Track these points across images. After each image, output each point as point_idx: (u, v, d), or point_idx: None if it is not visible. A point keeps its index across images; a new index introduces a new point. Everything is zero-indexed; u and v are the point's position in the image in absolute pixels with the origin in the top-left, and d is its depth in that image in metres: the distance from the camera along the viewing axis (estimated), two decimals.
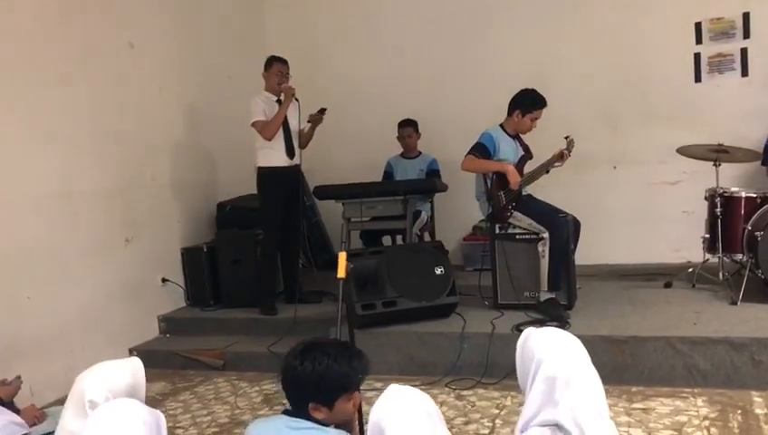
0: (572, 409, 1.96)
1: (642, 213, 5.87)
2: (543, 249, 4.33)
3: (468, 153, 4.50)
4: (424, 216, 5.51)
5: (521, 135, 4.69)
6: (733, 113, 5.55)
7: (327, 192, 5.30)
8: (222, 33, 6.13)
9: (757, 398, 3.50)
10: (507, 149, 4.57)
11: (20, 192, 4.08)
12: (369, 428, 1.73)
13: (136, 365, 2.21)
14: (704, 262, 4.83)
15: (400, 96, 6.28)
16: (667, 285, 4.90)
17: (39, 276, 4.18)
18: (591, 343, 3.81)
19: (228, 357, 4.71)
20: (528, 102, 4.50)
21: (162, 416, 2.00)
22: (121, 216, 4.88)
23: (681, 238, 5.75)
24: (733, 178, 5.29)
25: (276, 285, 5.23)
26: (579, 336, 3.87)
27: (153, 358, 4.86)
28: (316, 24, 6.70)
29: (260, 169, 5.06)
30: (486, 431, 3.39)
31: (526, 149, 4.69)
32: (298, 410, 2.12)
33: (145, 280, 5.12)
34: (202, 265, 5.42)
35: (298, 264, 5.35)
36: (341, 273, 2.64)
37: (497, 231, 4.58)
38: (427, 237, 5.67)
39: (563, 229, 4.36)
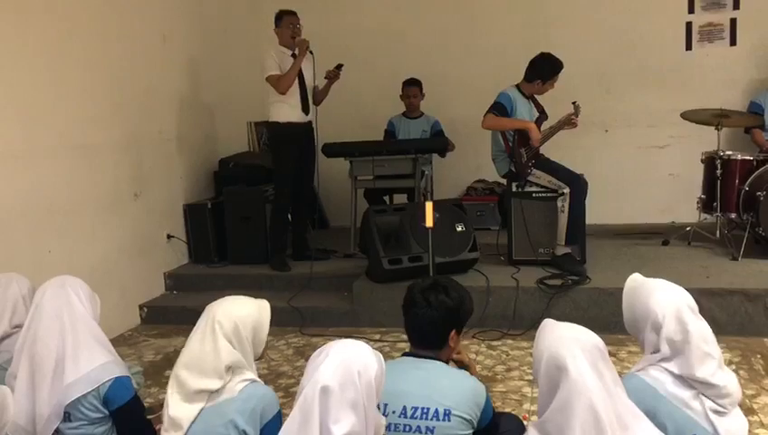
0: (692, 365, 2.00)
1: (631, 175, 6.10)
2: (564, 204, 4.49)
3: (488, 112, 4.58)
4: (428, 175, 5.58)
5: (536, 96, 4.80)
6: (720, 81, 5.82)
7: (336, 150, 5.28)
8: None
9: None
10: (523, 110, 4.68)
11: (40, 143, 3.96)
12: (538, 365, 1.78)
13: (264, 305, 2.30)
14: (700, 221, 5.10)
15: (399, 55, 6.29)
16: (665, 243, 5.15)
17: (59, 230, 4.07)
18: (615, 296, 4.07)
19: None
20: (548, 71, 4.62)
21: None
22: (131, 169, 4.77)
23: (667, 200, 6.05)
24: (713, 143, 5.58)
25: (287, 241, 5.21)
26: (600, 290, 4.18)
27: (166, 314, 4.83)
28: None
29: (274, 124, 5.00)
30: (530, 377, 3.54)
31: (542, 110, 4.81)
32: (432, 344, 2.20)
33: (152, 236, 5.02)
34: (206, 222, 5.34)
35: (308, 221, 5.33)
36: (429, 222, 2.69)
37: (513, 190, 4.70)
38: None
39: (583, 187, 4.52)
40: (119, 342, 4.47)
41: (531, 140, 4.52)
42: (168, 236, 5.20)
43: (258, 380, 2.19)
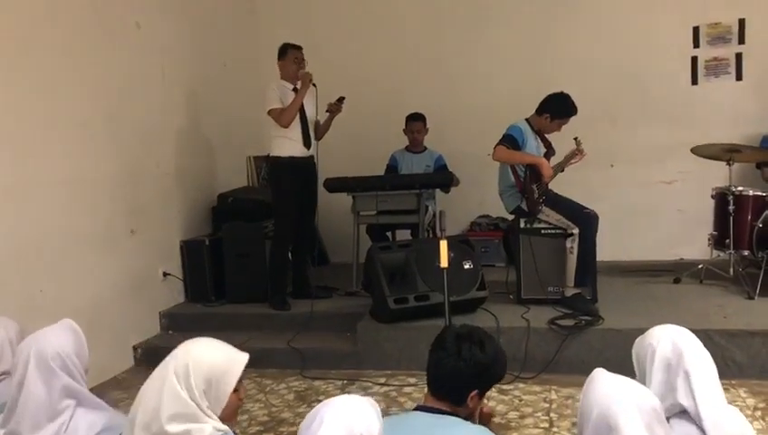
0: (690, 389, 1.92)
1: (638, 211, 5.99)
2: (572, 245, 4.36)
3: (498, 144, 4.46)
4: (431, 211, 5.46)
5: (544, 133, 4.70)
6: (727, 116, 5.75)
7: (338, 185, 5.17)
8: (217, 20, 5.89)
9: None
10: (532, 144, 4.57)
11: (32, 177, 3.81)
12: (585, 422, 1.62)
13: (239, 358, 1.99)
14: (712, 258, 4.97)
15: (402, 89, 6.23)
16: (677, 281, 5.01)
17: (51, 268, 3.92)
18: (630, 337, 3.86)
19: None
20: (561, 110, 4.51)
21: None
22: (127, 204, 4.62)
23: (675, 236, 5.93)
24: (720, 179, 5.49)
25: (287, 279, 5.05)
26: (615, 331, 4.03)
27: (161, 355, 4.55)
28: (309, 13, 6.53)
29: (275, 158, 4.88)
30: (546, 425, 3.37)
31: (548, 145, 4.70)
32: (449, 397, 2.03)
33: (147, 273, 4.85)
34: (203, 259, 5.17)
35: (308, 258, 5.18)
36: (444, 262, 2.54)
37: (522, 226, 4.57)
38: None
39: (593, 226, 4.40)
40: (111, 385, 4.28)
41: (542, 177, 4.40)
42: (164, 274, 5.02)
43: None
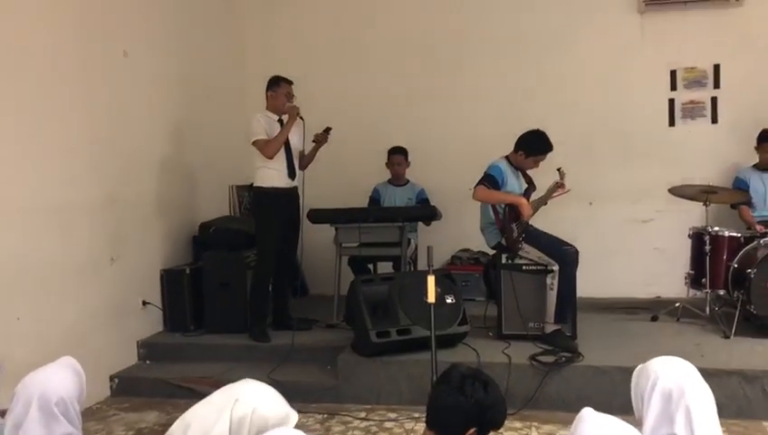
0: (690, 423, 1.95)
1: (616, 248, 6.07)
2: (552, 282, 4.40)
3: (479, 183, 4.52)
4: (413, 244, 5.49)
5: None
6: (703, 157, 5.89)
7: (322, 216, 5.18)
8: (203, 51, 5.91)
9: None
10: (513, 182, 4.64)
11: (10, 203, 3.76)
12: None
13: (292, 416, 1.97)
14: (689, 297, 5.04)
15: (385, 123, 6.29)
16: (654, 319, 5.07)
17: (29, 296, 3.86)
18: (609, 374, 4.00)
19: (223, 385, 4.45)
20: (534, 147, 4.59)
21: None
22: (108, 232, 4.58)
23: (651, 274, 6.03)
24: (696, 218, 5.60)
25: (268, 310, 5.03)
26: (595, 368, 4.06)
27: (138, 386, 4.58)
28: (294, 47, 6.59)
29: (259, 189, 4.89)
30: None
31: (530, 181, 4.78)
32: (446, 432, 2.04)
33: (127, 302, 4.80)
34: (183, 288, 5.14)
35: (289, 290, 5.17)
36: (431, 297, 2.56)
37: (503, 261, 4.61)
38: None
39: (573, 263, 4.46)
40: (86, 416, 4.14)
41: (522, 216, 4.45)
42: (144, 303, 4.97)
43: None
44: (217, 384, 4.51)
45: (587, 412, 1.74)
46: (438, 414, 2.07)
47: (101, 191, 4.51)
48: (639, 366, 2.18)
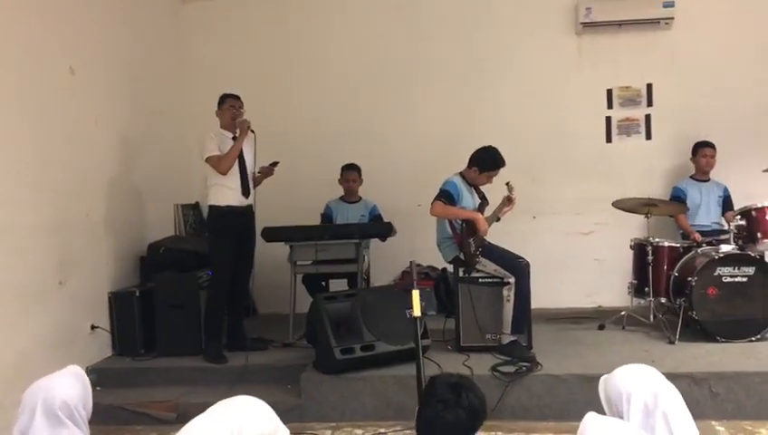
0: (668, 426, 2.05)
1: (558, 260, 6.26)
2: (509, 294, 4.52)
3: (436, 199, 4.60)
4: (367, 260, 5.52)
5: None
6: (639, 171, 6.18)
7: (277, 234, 5.14)
8: (149, 68, 5.81)
9: (719, 427, 3.88)
10: (467, 197, 4.75)
11: None
12: None
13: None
14: (635, 306, 5.26)
15: (335, 141, 6.32)
16: (601, 328, 5.25)
17: None
18: (568, 382, 4.13)
19: (181, 409, 4.34)
20: (487, 163, 4.71)
21: None
22: (56, 255, 4.42)
23: (593, 284, 6.26)
24: (635, 230, 5.87)
25: (222, 331, 4.94)
26: (554, 377, 4.18)
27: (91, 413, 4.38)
28: (244, 64, 6.55)
29: (213, 207, 4.82)
30: None
31: (482, 196, 4.89)
32: None
33: (75, 327, 4.63)
34: (133, 311, 4.99)
35: (243, 310, 5.10)
36: (417, 311, 2.60)
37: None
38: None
39: (526, 275, 4.58)
40: None
41: (478, 231, 4.56)
42: (92, 327, 4.80)
43: None
44: (176, 408, 4.44)
45: (592, 418, 1.81)
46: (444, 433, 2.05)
47: (49, 212, 4.36)
48: (604, 377, 2.27)
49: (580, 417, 2.18)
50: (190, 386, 4.58)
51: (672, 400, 2.07)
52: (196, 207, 6.34)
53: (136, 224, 5.48)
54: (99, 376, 4.73)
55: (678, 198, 5.71)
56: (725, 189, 5.76)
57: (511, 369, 4.24)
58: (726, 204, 5.71)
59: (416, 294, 2.64)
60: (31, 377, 4.02)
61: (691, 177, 5.84)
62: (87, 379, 2.19)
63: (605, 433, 1.74)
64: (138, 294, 5.02)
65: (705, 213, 5.69)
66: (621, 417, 2.10)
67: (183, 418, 4.27)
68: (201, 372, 4.70)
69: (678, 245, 5.17)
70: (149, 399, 4.43)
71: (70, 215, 4.56)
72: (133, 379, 4.73)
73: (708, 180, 5.79)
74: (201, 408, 4.37)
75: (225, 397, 4.23)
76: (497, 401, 4.10)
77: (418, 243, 5.65)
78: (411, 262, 2.94)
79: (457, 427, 2.02)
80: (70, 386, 2.12)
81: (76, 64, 4.67)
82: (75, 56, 4.68)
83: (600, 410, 2.10)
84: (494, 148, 4.74)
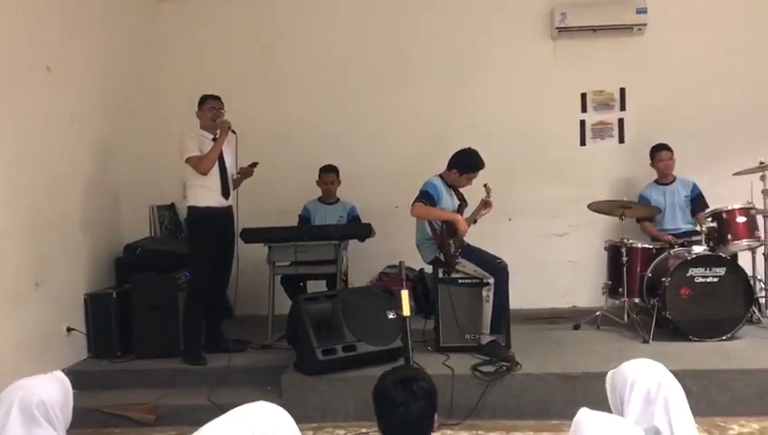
0: (668, 413, 2.11)
1: (534, 262, 6.33)
2: (488, 294, 4.57)
3: (416, 200, 4.64)
4: (346, 261, 5.53)
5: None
6: (612, 174, 6.31)
7: (256, 235, 5.12)
8: (125, 68, 5.75)
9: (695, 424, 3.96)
10: (447, 199, 4.79)
11: None
12: None
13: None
14: (609, 306, 5.36)
15: (313, 142, 6.33)
16: (576, 328, 5.34)
17: None
18: (547, 381, 4.20)
19: (160, 411, 4.31)
20: (467, 164, 4.77)
21: None
22: (32, 256, 4.36)
23: (567, 285, 6.36)
24: (607, 232, 5.99)
25: (201, 332, 4.91)
26: (534, 376, 4.24)
27: None
28: (222, 65, 6.51)
29: (192, 208, 4.79)
30: None
31: (461, 197, 4.94)
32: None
33: (51, 329, 4.57)
34: (110, 313, 4.94)
35: (222, 311, 5.07)
36: (406, 311, 2.62)
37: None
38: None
39: (505, 276, 4.64)
40: None
41: (458, 232, 4.61)
42: (68, 329, 4.74)
43: None
44: (155, 410, 4.40)
45: (585, 414, 1.85)
46: (411, 430, 2.11)
47: (25, 213, 4.31)
48: (611, 371, 2.33)
49: (559, 415, 2.24)
50: (169, 388, 4.55)
51: (674, 390, 2.13)
52: (171, 208, 6.28)
53: (112, 225, 5.42)
54: (74, 379, 4.63)
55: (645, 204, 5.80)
56: (694, 187, 5.76)
57: (491, 368, 4.29)
58: (696, 202, 5.71)
59: (405, 293, 2.67)
60: (5, 380, 3.97)
61: (655, 181, 5.91)
62: (70, 387, 2.15)
63: (599, 427, 1.77)
64: (115, 295, 4.97)
65: (671, 217, 5.72)
66: (623, 403, 2.15)
67: (162, 420, 4.29)
68: (180, 374, 4.67)
69: (651, 246, 5.28)
70: (127, 401, 4.39)
71: (45, 215, 4.50)
72: (111, 381, 4.68)
73: (672, 182, 5.81)
74: (180, 410, 4.40)
75: (205, 399, 4.28)
76: (478, 400, 4.16)
77: (395, 244, 5.69)
78: (400, 262, 2.96)
79: (423, 416, 2.09)
80: (50, 387, 2.08)
81: (52, 63, 4.61)
82: (52, 54, 4.62)
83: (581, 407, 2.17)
84: (473, 150, 4.80)
